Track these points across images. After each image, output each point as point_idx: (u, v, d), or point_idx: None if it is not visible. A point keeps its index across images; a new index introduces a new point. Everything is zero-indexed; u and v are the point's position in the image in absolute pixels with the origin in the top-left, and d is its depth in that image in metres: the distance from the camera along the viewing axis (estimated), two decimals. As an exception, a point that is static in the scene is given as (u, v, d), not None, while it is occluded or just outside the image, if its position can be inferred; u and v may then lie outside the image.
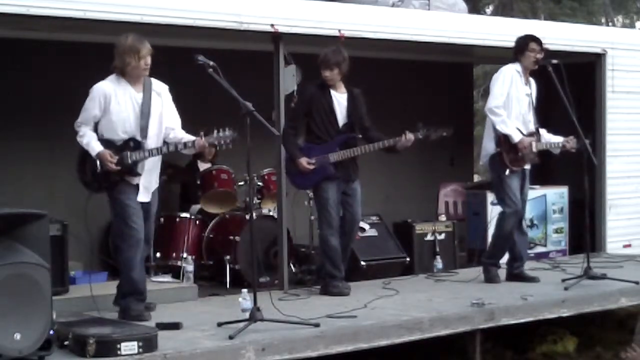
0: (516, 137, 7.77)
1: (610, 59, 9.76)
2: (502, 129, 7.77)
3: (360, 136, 7.48)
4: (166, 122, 6.39)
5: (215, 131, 6.23)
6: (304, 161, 7.29)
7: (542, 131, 8.02)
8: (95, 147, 6.22)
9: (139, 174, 6.29)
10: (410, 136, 7.41)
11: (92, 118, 6.26)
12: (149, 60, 6.24)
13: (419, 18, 8.91)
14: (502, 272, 8.14)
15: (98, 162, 6.22)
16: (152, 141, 6.32)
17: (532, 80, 7.97)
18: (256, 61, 8.38)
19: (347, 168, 7.42)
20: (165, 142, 6.38)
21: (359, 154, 7.43)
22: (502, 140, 7.79)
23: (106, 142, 6.25)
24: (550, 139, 8.04)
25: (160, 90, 6.42)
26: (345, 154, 7.36)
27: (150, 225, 6.46)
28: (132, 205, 6.26)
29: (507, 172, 7.79)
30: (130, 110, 6.27)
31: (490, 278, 7.97)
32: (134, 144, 6.25)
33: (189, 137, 6.34)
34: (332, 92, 7.38)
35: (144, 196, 6.34)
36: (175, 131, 6.42)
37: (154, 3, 7.10)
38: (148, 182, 6.37)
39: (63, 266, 6.84)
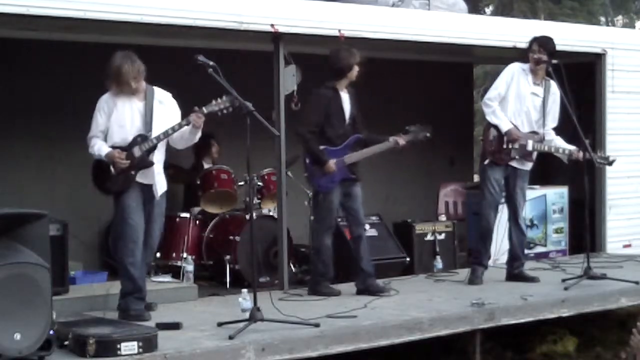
0: (505, 127, 7.77)
1: (610, 59, 9.75)
2: (492, 119, 7.83)
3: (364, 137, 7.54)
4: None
5: (213, 100, 6.29)
6: (332, 164, 7.31)
7: (553, 136, 7.98)
8: (103, 150, 6.32)
9: (152, 163, 6.36)
10: (402, 142, 7.51)
11: (100, 129, 6.37)
12: (133, 84, 6.29)
13: (419, 18, 8.90)
14: (502, 272, 8.15)
15: (111, 166, 6.30)
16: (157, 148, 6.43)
17: (552, 84, 7.87)
18: (256, 61, 8.38)
19: (354, 169, 7.47)
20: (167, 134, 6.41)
21: (369, 155, 7.51)
22: (486, 130, 7.84)
23: (114, 148, 6.34)
24: (557, 143, 7.95)
25: (163, 98, 6.49)
26: (358, 156, 7.42)
27: (152, 229, 6.46)
28: (131, 204, 6.31)
29: (487, 161, 7.83)
30: (133, 118, 6.37)
31: (472, 279, 7.93)
32: (141, 139, 6.34)
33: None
34: (341, 93, 7.42)
35: (155, 194, 6.42)
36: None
37: (154, 3, 7.09)
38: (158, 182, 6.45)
39: (63, 266, 6.83)
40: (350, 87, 7.48)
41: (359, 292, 7.40)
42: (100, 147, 6.34)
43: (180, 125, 6.36)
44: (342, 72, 7.36)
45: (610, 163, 8.21)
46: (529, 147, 7.83)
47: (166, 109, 6.48)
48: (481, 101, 8.00)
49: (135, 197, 6.34)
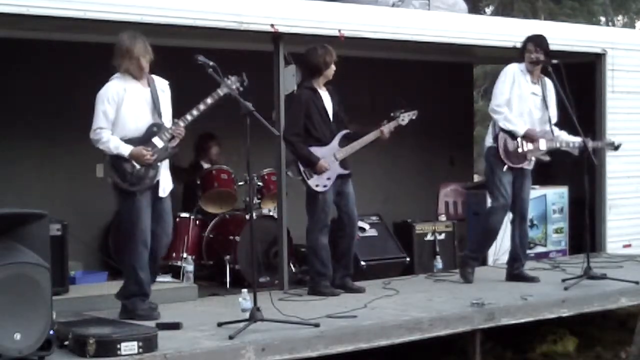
0: (521, 130, 7.77)
1: (610, 59, 9.75)
2: (506, 125, 7.79)
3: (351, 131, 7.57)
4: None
5: (225, 78, 6.24)
6: (324, 163, 7.33)
7: (558, 131, 7.96)
8: (125, 149, 6.16)
9: (174, 151, 6.35)
10: (390, 129, 7.53)
11: (108, 120, 6.18)
12: (144, 63, 6.23)
13: (419, 18, 8.90)
14: (502, 272, 8.15)
15: (134, 162, 6.18)
16: None
17: (547, 81, 7.91)
18: (256, 61, 8.37)
19: (346, 164, 7.49)
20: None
21: (360, 147, 7.50)
22: (500, 137, 7.80)
23: (128, 141, 6.20)
24: (564, 137, 7.94)
25: (163, 87, 6.46)
26: (348, 151, 7.44)
27: (165, 226, 6.39)
28: (143, 205, 6.22)
29: (505, 168, 7.81)
30: (142, 106, 6.28)
31: (464, 275, 7.97)
32: (157, 128, 6.28)
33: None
34: (320, 92, 7.44)
35: (162, 192, 6.39)
36: None
37: (154, 3, 7.09)
38: (164, 178, 6.41)
39: (63, 266, 6.83)
40: (329, 84, 7.51)
41: (336, 286, 7.44)
42: (117, 145, 6.14)
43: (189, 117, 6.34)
44: (318, 69, 7.40)
45: (617, 147, 8.24)
46: (542, 147, 7.84)
47: (166, 97, 6.44)
48: (489, 109, 7.95)
49: (147, 196, 6.26)
